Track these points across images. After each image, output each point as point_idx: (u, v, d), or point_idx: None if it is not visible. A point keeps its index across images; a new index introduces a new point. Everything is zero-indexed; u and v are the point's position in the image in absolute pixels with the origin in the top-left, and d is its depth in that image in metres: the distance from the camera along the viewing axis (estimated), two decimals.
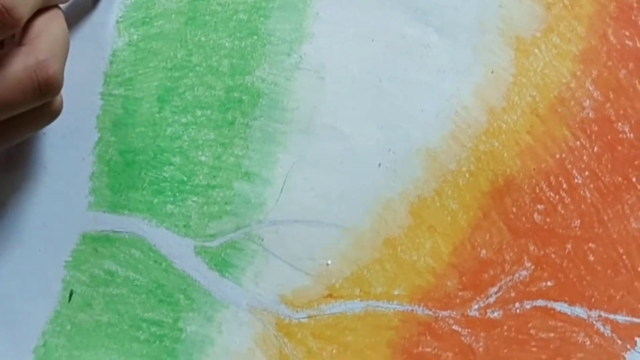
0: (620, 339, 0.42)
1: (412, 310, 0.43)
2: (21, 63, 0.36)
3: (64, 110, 0.40)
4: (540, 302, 0.42)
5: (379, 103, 0.44)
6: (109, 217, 0.45)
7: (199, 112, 0.45)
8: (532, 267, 0.43)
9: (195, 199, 0.45)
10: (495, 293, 0.43)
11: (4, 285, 0.44)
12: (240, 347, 0.44)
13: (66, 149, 0.42)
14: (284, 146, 0.45)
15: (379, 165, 0.44)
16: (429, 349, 0.43)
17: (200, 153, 0.45)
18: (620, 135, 0.43)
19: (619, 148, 0.42)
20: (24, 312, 0.44)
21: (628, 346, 0.42)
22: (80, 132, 0.44)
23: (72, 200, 0.45)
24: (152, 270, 0.45)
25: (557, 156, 0.43)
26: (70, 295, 0.45)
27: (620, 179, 0.42)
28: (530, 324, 0.42)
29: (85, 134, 0.45)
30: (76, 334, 0.44)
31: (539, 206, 0.43)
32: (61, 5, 0.40)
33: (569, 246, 0.42)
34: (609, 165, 0.42)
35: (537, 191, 0.43)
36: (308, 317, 0.44)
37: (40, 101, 0.38)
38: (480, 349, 0.43)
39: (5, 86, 0.35)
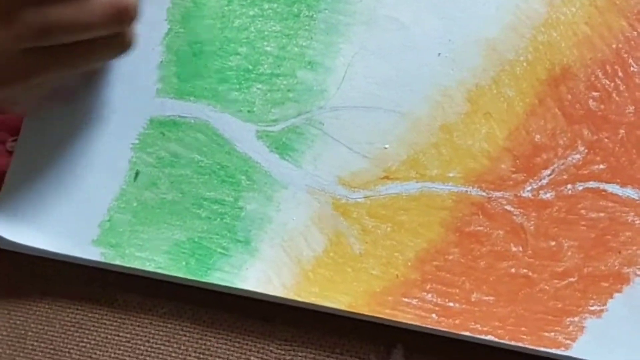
0: None
1: (466, 191, 0.52)
2: None
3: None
4: (592, 184, 0.50)
5: None
6: (176, 103, 0.54)
7: (266, 5, 0.55)
8: (585, 150, 0.51)
9: (259, 86, 0.54)
10: (548, 175, 0.51)
11: (74, 165, 0.54)
12: (297, 225, 0.53)
13: (137, 40, 0.52)
14: (346, 37, 0.54)
15: (439, 54, 0.53)
16: (481, 228, 0.51)
17: (265, 44, 0.55)
18: None
19: None
20: (92, 190, 0.54)
21: None
22: (150, 24, 0.54)
23: (141, 87, 0.54)
24: (215, 153, 0.54)
25: (614, 46, 0.51)
26: (137, 175, 0.55)
27: None
28: (581, 205, 0.50)
29: (156, 25, 0.55)
30: (141, 211, 0.54)
31: (594, 93, 0.51)
32: None
33: (622, 131, 0.50)
34: None
35: (593, 79, 0.51)
36: (364, 197, 0.52)
37: (117, 28, 0.43)
38: (532, 228, 0.50)
39: (89, 8, 0.42)
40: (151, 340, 0.49)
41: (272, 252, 0.48)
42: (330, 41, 0.50)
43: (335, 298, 0.46)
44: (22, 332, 0.50)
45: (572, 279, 0.45)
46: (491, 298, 0.46)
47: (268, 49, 0.50)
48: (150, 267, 0.48)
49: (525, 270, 0.46)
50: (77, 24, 0.41)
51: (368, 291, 0.47)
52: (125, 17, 0.43)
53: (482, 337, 0.45)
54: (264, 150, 0.49)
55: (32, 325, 0.50)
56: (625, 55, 0.47)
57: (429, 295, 0.46)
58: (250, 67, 0.50)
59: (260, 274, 0.47)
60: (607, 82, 0.47)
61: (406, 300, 0.46)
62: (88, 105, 0.50)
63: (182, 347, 0.49)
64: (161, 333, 0.49)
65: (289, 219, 0.49)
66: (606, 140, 0.46)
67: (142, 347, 0.49)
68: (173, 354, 0.49)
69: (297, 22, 0.50)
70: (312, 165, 0.49)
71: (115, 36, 0.44)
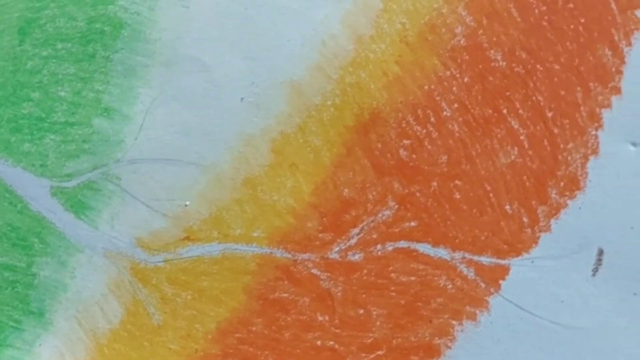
0: (484, 282, 0.53)
1: (270, 252, 0.55)
2: None
3: None
4: (402, 244, 0.54)
5: (243, 32, 0.56)
6: None
7: (59, 45, 0.59)
8: (396, 206, 0.54)
9: (52, 136, 0.58)
10: (357, 234, 0.54)
11: None
12: (94, 293, 0.57)
13: None
14: (145, 80, 0.58)
15: (242, 99, 0.57)
16: (285, 294, 0.55)
17: (59, 88, 0.58)
18: (492, 64, 0.54)
19: (490, 78, 0.53)
20: None
21: (492, 289, 0.53)
22: None
23: None
24: (6, 213, 0.58)
25: (426, 87, 0.54)
26: None
27: (490, 111, 0.53)
28: (391, 267, 0.54)
29: None
30: None
31: (405, 141, 0.54)
32: None
33: (435, 184, 0.54)
34: (479, 97, 0.53)
35: (404, 125, 0.54)
36: (164, 260, 0.56)
37: None
38: (339, 294, 0.54)
39: None
40: None
41: (66, 325, 0.52)
42: (128, 85, 0.54)
43: None
44: None
45: (380, 352, 0.49)
46: None
47: (62, 94, 0.54)
48: None
49: (332, 343, 0.50)
50: None
51: None
52: None
53: None
54: (58, 208, 0.53)
55: None
56: (438, 98, 0.50)
57: None
58: (44, 115, 0.54)
59: (54, 350, 0.52)
60: (419, 128, 0.50)
61: None
62: None
63: None
64: None
65: (84, 287, 0.53)
66: (418, 194, 0.50)
67: None
68: None
69: (93, 64, 0.54)
70: (109, 225, 0.53)
71: None
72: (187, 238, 0.49)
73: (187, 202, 0.49)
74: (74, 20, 0.51)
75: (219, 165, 0.50)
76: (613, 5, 0.45)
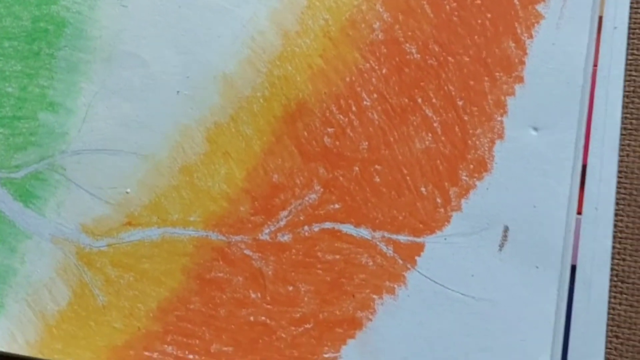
0: (402, 259, 0.61)
1: (206, 235, 0.63)
2: None
3: None
4: (327, 225, 0.62)
5: (178, 29, 0.64)
6: None
7: (6, 43, 0.65)
8: (321, 190, 0.62)
9: (1, 130, 0.65)
10: (286, 217, 0.62)
11: None
12: (42, 277, 0.64)
13: None
14: (87, 75, 0.65)
15: (177, 92, 0.64)
16: (221, 274, 0.62)
17: (7, 84, 0.65)
18: (408, 57, 0.61)
19: (406, 70, 0.61)
20: None
21: (409, 265, 0.60)
22: None
23: None
24: None
25: (348, 79, 0.62)
26: None
27: (406, 100, 0.61)
28: (317, 247, 0.61)
29: None
30: None
31: (329, 129, 0.62)
32: None
33: (357, 169, 0.61)
34: (396, 87, 0.61)
35: (328, 115, 0.62)
36: (107, 245, 0.64)
37: None
38: (270, 273, 0.62)
39: None
40: None
41: (17, 308, 0.59)
42: (71, 80, 0.61)
43: (78, 354, 0.54)
44: None
45: (308, 326, 0.57)
46: (230, 348, 0.57)
47: (9, 90, 0.61)
48: None
49: (263, 318, 0.57)
50: None
51: (109, 346, 0.55)
52: None
53: None
54: (7, 198, 0.60)
55: None
56: (359, 89, 0.57)
57: (170, 347, 0.56)
58: None
59: (5, 331, 0.59)
60: (342, 117, 0.57)
61: (147, 353, 0.56)
62: None
63: None
64: None
65: (33, 271, 0.59)
66: (341, 178, 0.57)
67: None
68: None
69: (38, 61, 0.61)
70: (56, 213, 0.60)
71: None
72: (129, 223, 0.55)
73: (128, 190, 0.55)
74: (19, 19, 0.57)
75: (157, 154, 0.55)
76: (516, 1, 0.52)
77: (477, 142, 0.50)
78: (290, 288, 0.51)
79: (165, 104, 0.56)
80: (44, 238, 0.56)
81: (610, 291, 0.49)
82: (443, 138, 0.50)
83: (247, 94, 0.54)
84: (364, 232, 0.51)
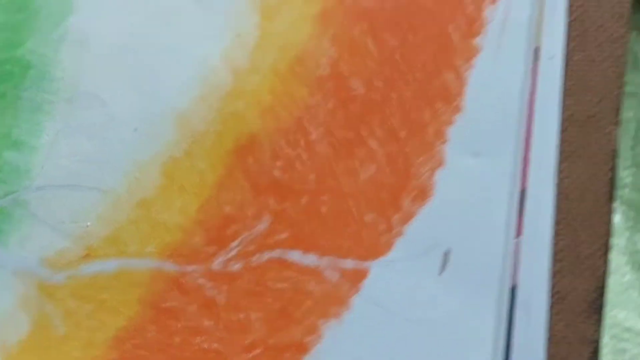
0: (347, 284, 0.65)
1: (161, 266, 0.67)
2: None
3: None
4: (276, 253, 0.66)
5: (136, 70, 0.68)
6: None
7: None
8: (270, 220, 0.66)
9: None
10: (237, 247, 0.66)
11: None
12: (5, 309, 0.68)
13: None
14: (50, 115, 0.69)
15: (135, 129, 0.69)
16: (176, 303, 0.66)
17: None
18: (353, 92, 0.66)
19: (351, 105, 0.66)
20: None
21: (354, 290, 0.65)
22: None
23: None
24: None
25: (295, 114, 0.66)
26: None
27: (352, 134, 0.66)
28: (267, 276, 0.64)
29: None
30: None
31: (278, 163, 0.66)
32: None
33: (304, 200, 0.66)
34: (342, 121, 0.66)
35: (277, 149, 0.66)
36: (68, 277, 0.67)
37: None
38: (222, 301, 0.66)
39: None
40: None
41: None
42: (35, 120, 0.65)
43: None
44: None
45: (257, 351, 0.60)
46: None
47: None
48: None
49: (216, 345, 0.61)
50: None
51: None
52: None
53: None
54: None
55: None
56: (306, 124, 0.62)
57: None
58: None
59: None
60: (290, 151, 0.62)
61: None
62: None
63: None
64: None
65: None
66: (290, 209, 0.62)
67: None
68: None
69: (4, 102, 0.66)
70: (19, 246, 0.63)
71: None
72: (88, 255, 0.59)
73: (89, 223, 0.59)
74: None
75: (116, 189, 0.59)
76: (454, 37, 0.56)
77: (419, 171, 0.53)
78: (242, 315, 0.55)
79: (123, 141, 0.58)
80: (6, 270, 0.59)
81: (549, 311, 0.52)
82: (386, 169, 0.54)
83: (200, 130, 0.57)
84: (311, 259, 0.54)
